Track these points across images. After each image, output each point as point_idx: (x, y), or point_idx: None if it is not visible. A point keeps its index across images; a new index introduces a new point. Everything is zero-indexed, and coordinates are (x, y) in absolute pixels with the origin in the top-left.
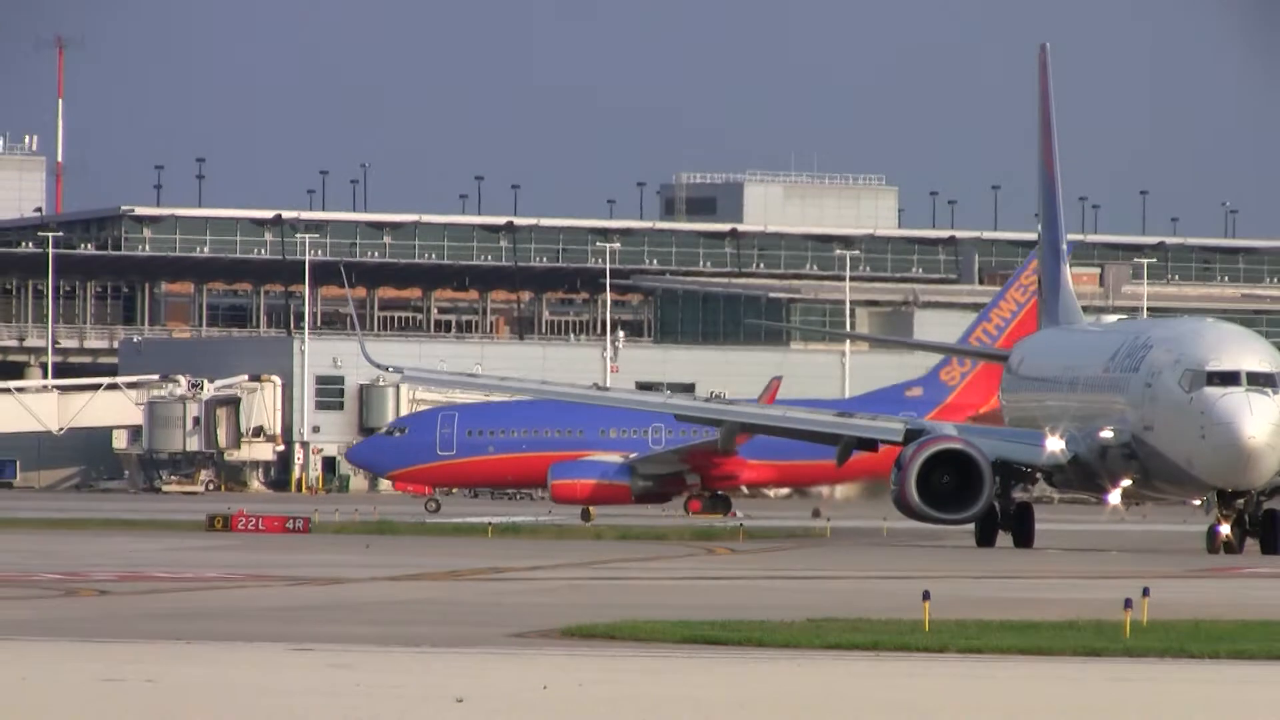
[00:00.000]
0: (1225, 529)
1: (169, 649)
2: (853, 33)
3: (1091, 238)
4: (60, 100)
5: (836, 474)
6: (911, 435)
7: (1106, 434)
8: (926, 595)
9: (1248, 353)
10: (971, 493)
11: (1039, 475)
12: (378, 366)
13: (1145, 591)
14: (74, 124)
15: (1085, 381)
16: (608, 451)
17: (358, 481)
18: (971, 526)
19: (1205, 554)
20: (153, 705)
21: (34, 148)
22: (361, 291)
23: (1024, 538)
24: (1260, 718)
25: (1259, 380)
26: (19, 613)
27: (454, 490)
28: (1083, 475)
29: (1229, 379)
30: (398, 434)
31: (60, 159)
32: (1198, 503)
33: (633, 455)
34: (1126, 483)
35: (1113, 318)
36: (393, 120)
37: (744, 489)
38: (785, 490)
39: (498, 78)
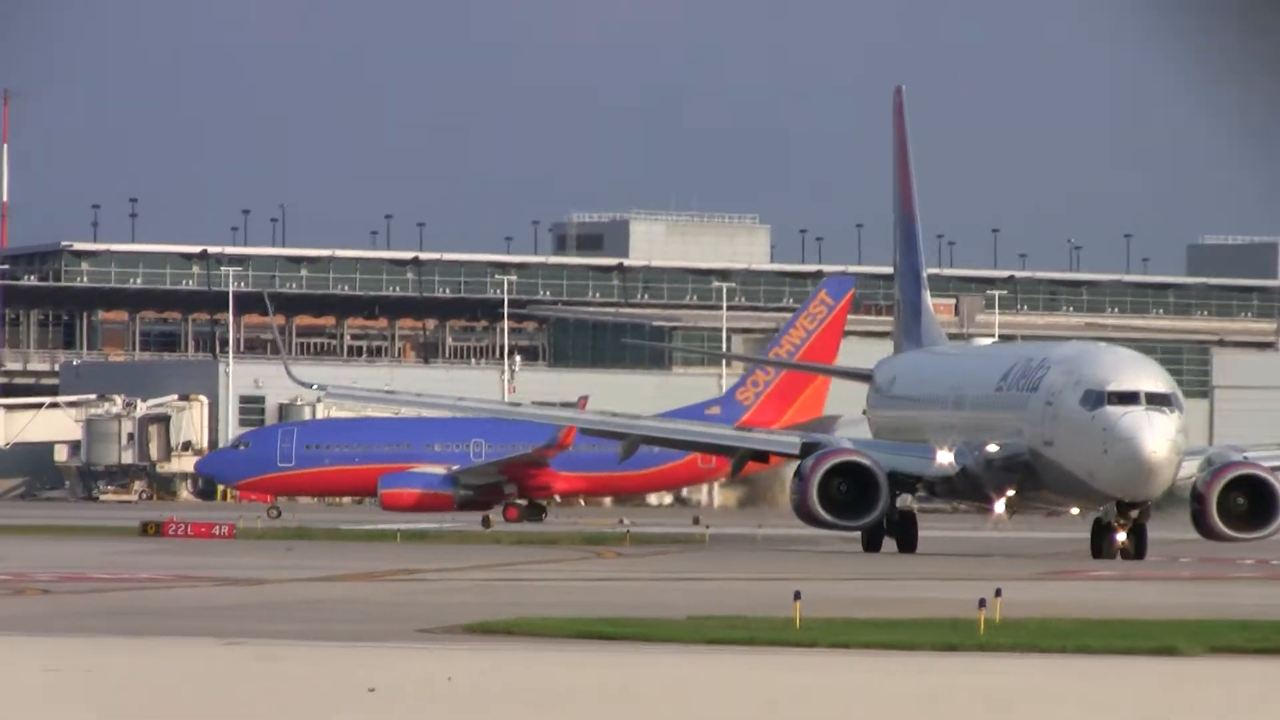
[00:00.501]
0: (1122, 536)
1: (106, 643)
2: (727, 82)
3: (947, 271)
4: (4, 145)
5: (638, 484)
6: (807, 448)
7: (993, 448)
8: (798, 595)
9: (1145, 375)
10: (868, 501)
11: (920, 486)
12: (302, 385)
13: (998, 592)
14: (17, 167)
15: (974, 400)
16: (433, 464)
17: None
18: (857, 533)
19: (1089, 559)
20: (90, 693)
21: None
22: (281, 319)
23: (908, 543)
24: (1101, 708)
25: (1157, 400)
26: None
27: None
28: (970, 486)
29: (1129, 399)
30: (242, 447)
31: (5, 199)
32: (1076, 512)
33: (455, 467)
34: (1011, 493)
35: (985, 341)
36: (309, 163)
37: (557, 498)
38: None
39: (403, 124)
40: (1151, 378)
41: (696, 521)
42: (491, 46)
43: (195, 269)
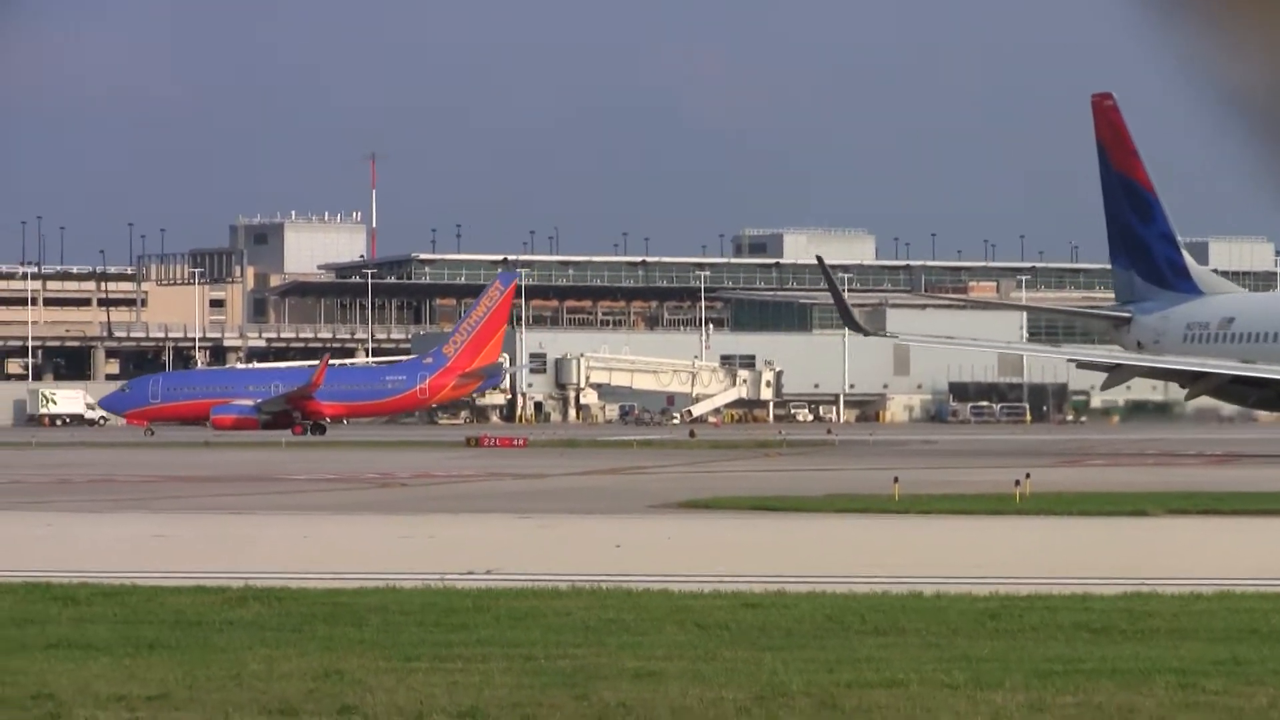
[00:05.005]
0: None
1: (444, 518)
2: (852, 125)
3: (990, 264)
4: (374, 191)
5: (377, 409)
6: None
7: None
8: (896, 479)
9: None
10: None
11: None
12: (867, 333)
13: (1027, 475)
14: (382, 203)
15: None
16: (246, 399)
17: (555, 417)
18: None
19: None
20: (432, 550)
21: (358, 219)
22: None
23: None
24: (1083, 547)
25: None
26: (351, 497)
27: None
28: None
29: None
30: (126, 390)
31: (375, 225)
32: None
33: (259, 400)
34: None
35: None
36: (575, 197)
37: (327, 419)
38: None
39: (636, 170)
40: None
41: (829, 432)
42: (693, 107)
43: (499, 270)
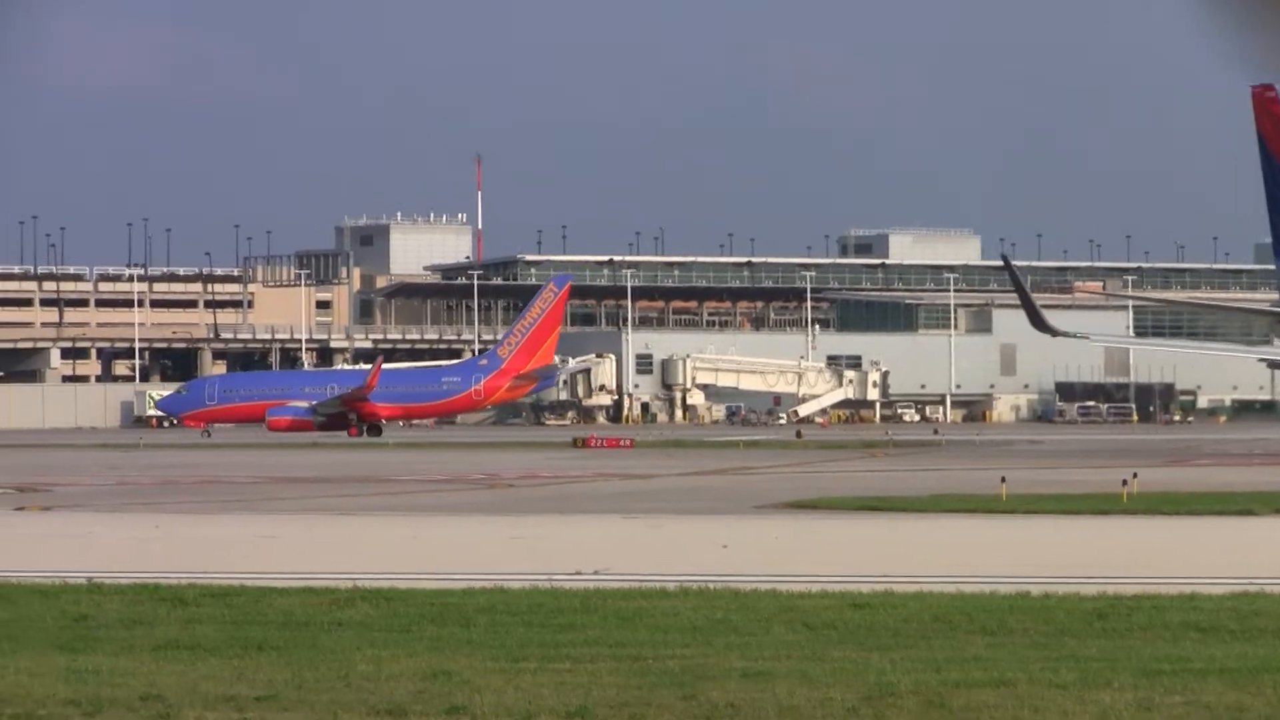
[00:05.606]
0: None
1: (551, 518)
2: (957, 125)
3: (1095, 264)
4: (479, 192)
5: (431, 410)
6: None
7: None
8: (1004, 479)
9: None
10: None
11: None
12: (1055, 333)
13: (1134, 474)
14: (488, 204)
15: None
16: (302, 400)
17: (661, 417)
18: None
19: None
20: (539, 550)
21: (464, 220)
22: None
23: None
24: (1187, 543)
25: None
26: (458, 498)
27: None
28: None
29: None
30: (183, 392)
31: (480, 227)
32: None
33: (314, 402)
34: None
35: None
36: (679, 198)
37: (383, 421)
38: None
39: (739, 172)
40: None
41: (936, 432)
42: (788, 118)
43: (605, 270)
